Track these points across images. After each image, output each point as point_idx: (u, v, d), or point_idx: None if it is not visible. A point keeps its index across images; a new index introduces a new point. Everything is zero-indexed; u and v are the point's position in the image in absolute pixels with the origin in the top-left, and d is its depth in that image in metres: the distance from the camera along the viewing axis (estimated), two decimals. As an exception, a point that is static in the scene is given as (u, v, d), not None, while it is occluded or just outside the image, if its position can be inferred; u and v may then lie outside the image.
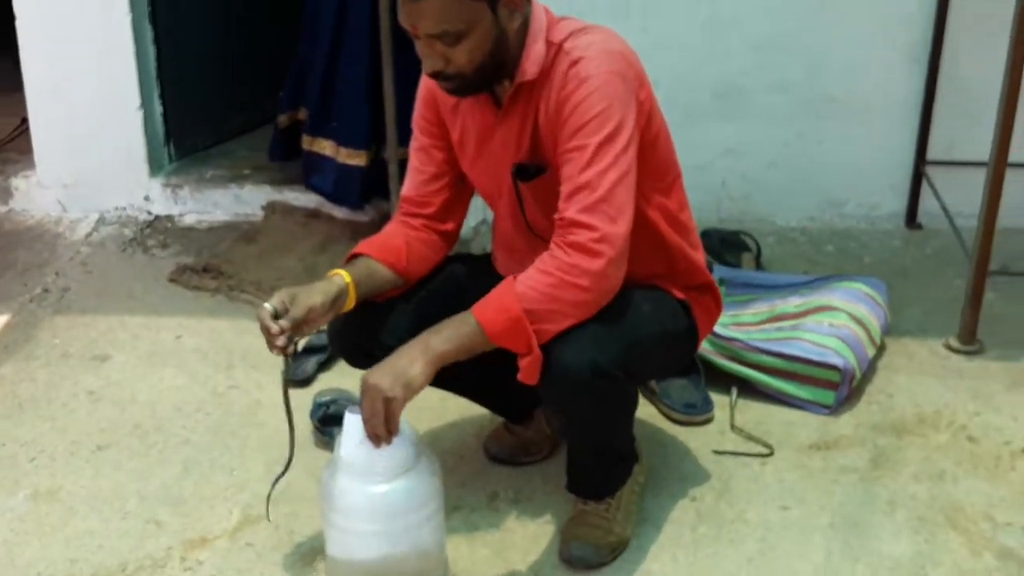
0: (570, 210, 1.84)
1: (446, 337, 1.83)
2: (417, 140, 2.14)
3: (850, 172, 3.48)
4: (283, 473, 2.07)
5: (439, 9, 1.79)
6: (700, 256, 2.15)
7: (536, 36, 1.91)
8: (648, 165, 1.95)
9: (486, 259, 2.30)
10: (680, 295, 2.09)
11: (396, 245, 2.10)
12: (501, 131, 2.00)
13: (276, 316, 1.90)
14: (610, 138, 1.83)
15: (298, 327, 1.91)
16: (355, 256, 2.09)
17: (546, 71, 1.92)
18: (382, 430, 1.80)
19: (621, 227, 1.84)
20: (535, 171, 1.99)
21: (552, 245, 1.86)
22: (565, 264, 1.82)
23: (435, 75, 1.89)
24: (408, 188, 2.17)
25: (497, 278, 2.18)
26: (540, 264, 1.84)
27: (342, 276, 2.01)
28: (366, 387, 1.80)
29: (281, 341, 1.89)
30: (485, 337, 1.82)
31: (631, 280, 2.00)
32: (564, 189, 1.86)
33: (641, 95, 1.90)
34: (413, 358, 1.81)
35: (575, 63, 1.87)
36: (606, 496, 2.13)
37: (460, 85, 1.91)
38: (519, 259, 2.14)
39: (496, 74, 1.92)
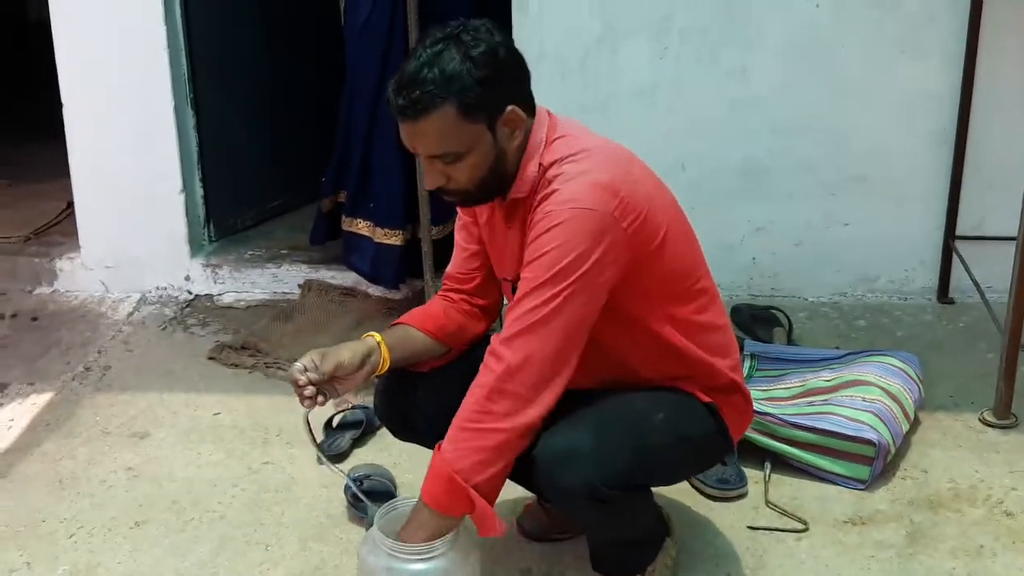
0: (498, 337, 1.87)
1: (414, 529, 1.88)
2: (460, 218, 2.18)
3: (880, 248, 3.50)
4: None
5: (437, 131, 1.82)
6: (724, 360, 2.06)
7: (532, 155, 1.92)
8: (653, 277, 1.94)
9: None
10: (705, 398, 2.03)
11: (435, 313, 2.15)
12: (509, 238, 2.03)
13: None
14: (553, 278, 1.82)
15: (328, 382, 1.97)
16: (395, 325, 2.15)
17: (535, 192, 1.92)
18: None
19: (536, 363, 1.83)
20: None
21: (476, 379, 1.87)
22: (477, 413, 1.84)
23: (438, 190, 1.92)
24: (451, 265, 2.21)
25: None
26: (459, 415, 1.86)
27: (373, 337, 2.05)
28: None
29: (309, 391, 1.94)
30: (438, 514, 1.85)
31: (648, 383, 2.01)
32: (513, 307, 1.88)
33: (624, 223, 1.84)
34: None
35: (548, 195, 1.86)
36: (634, 574, 2.12)
37: (463, 200, 1.95)
38: None
39: (500, 188, 1.94)
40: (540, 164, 1.92)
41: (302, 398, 1.95)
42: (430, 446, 1.93)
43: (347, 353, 1.99)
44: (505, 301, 2.13)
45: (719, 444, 2.10)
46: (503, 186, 1.94)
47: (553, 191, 1.86)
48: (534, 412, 1.84)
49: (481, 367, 1.87)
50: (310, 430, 2.04)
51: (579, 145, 1.92)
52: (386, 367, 2.05)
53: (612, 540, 2.10)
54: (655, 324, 1.98)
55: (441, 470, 1.84)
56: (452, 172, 1.87)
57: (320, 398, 1.96)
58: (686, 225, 2.05)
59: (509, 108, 1.87)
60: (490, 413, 1.83)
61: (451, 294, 2.20)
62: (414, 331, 2.12)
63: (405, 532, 1.89)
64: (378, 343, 2.04)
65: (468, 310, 2.18)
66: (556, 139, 1.94)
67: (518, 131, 1.90)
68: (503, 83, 1.86)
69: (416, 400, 2.14)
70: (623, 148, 1.99)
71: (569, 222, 1.82)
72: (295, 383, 1.95)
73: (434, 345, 2.13)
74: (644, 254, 1.89)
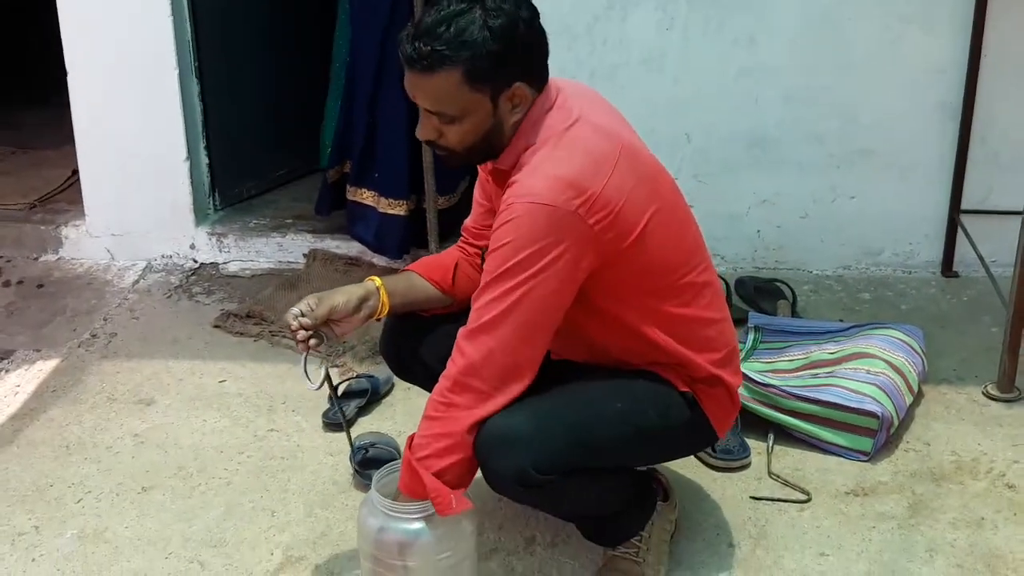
0: (461, 331, 1.87)
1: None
2: (479, 174, 2.17)
3: (885, 221, 3.49)
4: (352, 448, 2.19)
5: (438, 90, 1.82)
6: (708, 354, 2.01)
7: (524, 131, 1.89)
8: (629, 271, 1.89)
9: None
10: (683, 387, 2.00)
11: (445, 264, 2.16)
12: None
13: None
14: (507, 272, 1.80)
15: (324, 325, 2.00)
16: (403, 271, 2.17)
17: (515, 168, 1.89)
18: None
19: (497, 359, 1.83)
20: None
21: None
22: (442, 404, 1.86)
23: (427, 143, 1.93)
24: (469, 218, 2.22)
25: None
26: (428, 404, 1.88)
27: (373, 281, 2.07)
28: None
29: (301, 335, 1.97)
30: (413, 500, 1.89)
31: (625, 365, 2.00)
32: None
33: (591, 220, 1.79)
34: None
35: (513, 184, 1.85)
36: (624, 541, 2.13)
37: (449, 158, 1.94)
38: None
39: (488, 155, 1.94)
40: (526, 143, 1.89)
41: (297, 342, 1.99)
42: (428, 389, 1.95)
43: (342, 297, 2.02)
44: None
45: (695, 434, 2.08)
46: (492, 154, 1.93)
47: (516, 181, 1.85)
48: (495, 404, 1.85)
49: (450, 357, 1.87)
50: (307, 375, 2.05)
51: (560, 128, 1.87)
52: (385, 312, 2.07)
53: (576, 517, 2.13)
54: (629, 317, 1.95)
55: (407, 457, 1.88)
56: (445, 130, 1.88)
57: (314, 341, 2.00)
58: (681, 217, 1.99)
59: (516, 85, 1.85)
60: (453, 404, 1.85)
61: (466, 246, 2.22)
62: (419, 279, 2.14)
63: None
64: (377, 287, 2.06)
65: (480, 264, 2.17)
66: (547, 115, 1.89)
67: (520, 107, 1.88)
68: (515, 59, 1.83)
69: (416, 345, 2.16)
70: (614, 132, 1.92)
71: (524, 217, 1.79)
72: (289, 327, 1.99)
73: (438, 295, 2.14)
74: (615, 250, 1.85)
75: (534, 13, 1.86)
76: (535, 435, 1.85)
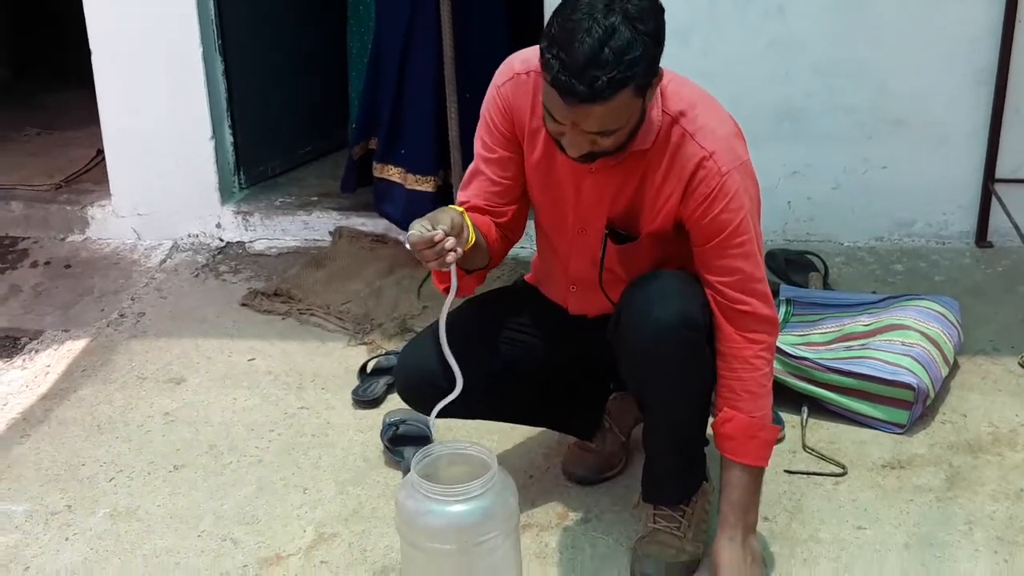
0: (750, 304, 1.97)
1: (753, 507, 2.06)
2: (492, 151, 2.07)
3: (918, 192, 3.45)
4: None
5: (610, 113, 1.77)
6: None
7: (651, 106, 1.89)
8: None
9: (531, 295, 2.30)
10: None
11: (486, 221, 2.07)
12: (594, 180, 1.99)
13: None
14: (752, 229, 1.96)
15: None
16: None
17: (661, 140, 1.92)
18: None
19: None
20: (626, 237, 2.03)
21: (742, 349, 1.99)
22: (766, 376, 2.03)
23: (581, 157, 1.86)
24: (477, 197, 2.09)
25: (557, 312, 2.21)
26: (751, 383, 2.01)
27: (455, 208, 1.93)
28: None
29: (451, 243, 1.80)
30: (762, 471, 2.06)
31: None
32: (727, 279, 1.96)
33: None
34: (749, 549, 2.05)
35: (709, 157, 1.91)
36: (679, 502, 2.13)
37: (595, 158, 1.90)
38: (582, 292, 2.17)
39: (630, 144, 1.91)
40: (665, 113, 1.91)
41: (444, 252, 1.80)
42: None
43: (449, 214, 1.86)
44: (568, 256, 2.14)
45: None
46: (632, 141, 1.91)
47: (712, 153, 1.90)
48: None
49: (752, 335, 1.98)
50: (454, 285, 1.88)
51: (689, 91, 1.97)
52: (472, 241, 1.91)
53: (673, 435, 2.09)
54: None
55: (769, 433, 2.04)
56: (602, 141, 1.82)
57: (460, 250, 1.84)
58: None
59: (659, 71, 1.83)
60: (768, 364, 2.03)
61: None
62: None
63: (745, 516, 2.04)
64: (462, 212, 1.92)
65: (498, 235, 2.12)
66: (668, 85, 1.93)
67: (655, 89, 1.86)
68: (662, 51, 1.81)
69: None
70: None
71: (741, 181, 1.93)
72: (430, 241, 1.79)
73: (485, 246, 2.03)
74: None
75: None
76: (682, 291, 1.98)
